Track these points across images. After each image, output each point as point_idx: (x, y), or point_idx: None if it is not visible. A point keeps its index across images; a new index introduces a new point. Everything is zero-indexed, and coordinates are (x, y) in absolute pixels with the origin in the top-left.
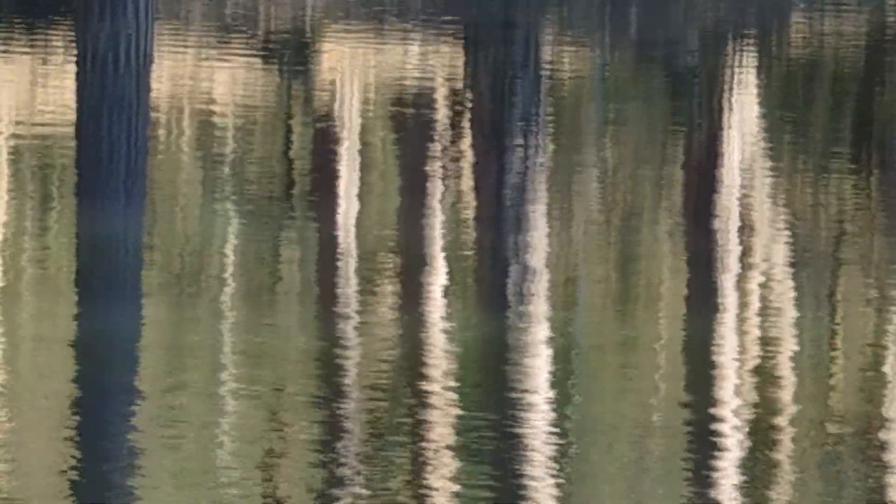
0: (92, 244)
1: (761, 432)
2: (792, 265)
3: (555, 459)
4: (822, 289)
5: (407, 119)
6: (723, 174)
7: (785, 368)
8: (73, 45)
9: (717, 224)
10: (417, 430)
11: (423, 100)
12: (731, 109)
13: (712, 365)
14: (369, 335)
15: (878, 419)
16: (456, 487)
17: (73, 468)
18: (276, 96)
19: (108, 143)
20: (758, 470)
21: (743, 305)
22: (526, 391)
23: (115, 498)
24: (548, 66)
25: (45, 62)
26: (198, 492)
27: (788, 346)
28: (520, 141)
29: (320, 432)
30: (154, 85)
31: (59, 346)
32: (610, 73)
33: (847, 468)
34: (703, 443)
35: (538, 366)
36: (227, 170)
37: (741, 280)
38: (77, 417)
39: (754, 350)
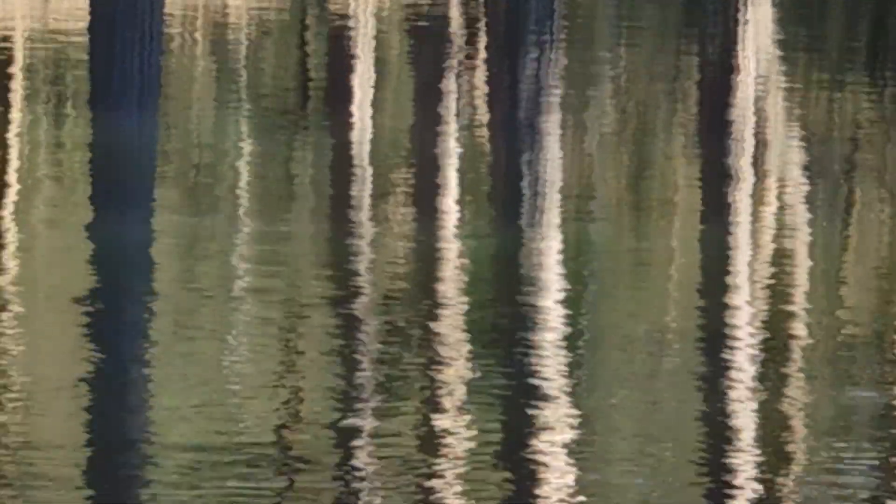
0: (106, 151)
1: (775, 338)
2: (806, 176)
3: (569, 366)
4: (836, 198)
5: (421, 29)
6: (737, 87)
7: (799, 275)
8: None
9: (731, 135)
10: (430, 337)
11: (438, 9)
12: (745, 22)
13: (726, 272)
14: (383, 244)
15: (890, 325)
16: (469, 393)
17: (87, 370)
18: (292, 3)
19: (122, 51)
20: (771, 374)
21: (757, 215)
22: (539, 299)
23: (130, 396)
24: None
25: None
26: (211, 394)
27: (802, 253)
28: (534, 51)
29: (333, 337)
30: None
31: (74, 251)
32: None
33: (860, 373)
34: (717, 349)
35: (551, 275)
36: (241, 78)
37: (755, 190)
38: (92, 320)
39: (768, 258)
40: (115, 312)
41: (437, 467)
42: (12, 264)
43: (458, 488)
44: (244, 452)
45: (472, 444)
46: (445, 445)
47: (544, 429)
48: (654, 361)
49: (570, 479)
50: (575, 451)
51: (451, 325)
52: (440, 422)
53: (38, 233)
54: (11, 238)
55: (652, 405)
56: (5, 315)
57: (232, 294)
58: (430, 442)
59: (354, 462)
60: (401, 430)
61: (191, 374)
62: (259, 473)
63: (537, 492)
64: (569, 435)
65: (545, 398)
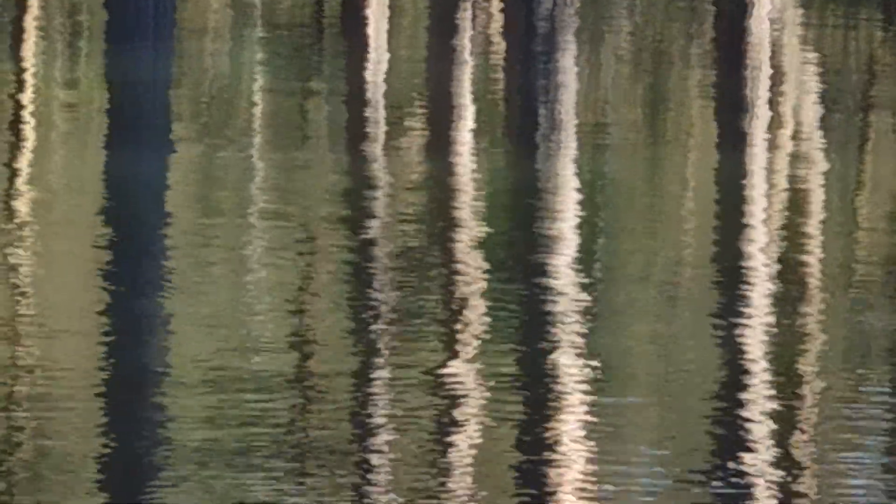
0: (121, 83)
1: (790, 272)
2: (821, 108)
3: (584, 300)
4: (851, 130)
5: None
6: (753, 21)
7: (814, 209)
8: None
9: (747, 68)
10: (446, 260)
11: None
12: None
13: (741, 204)
14: (399, 172)
15: None
16: (483, 317)
17: (105, 301)
18: None
19: None
20: (786, 309)
21: (772, 146)
22: (554, 230)
23: (147, 329)
24: None
25: None
26: (227, 315)
27: (817, 187)
28: None
29: (350, 261)
30: None
31: (90, 183)
32: None
33: (876, 300)
34: (733, 282)
35: (567, 206)
36: (256, 10)
37: (771, 122)
38: (109, 252)
39: (784, 191)
40: (132, 241)
41: (454, 391)
42: (29, 197)
43: (475, 409)
44: (260, 371)
45: (487, 368)
46: (461, 369)
47: (559, 354)
48: (668, 289)
49: (585, 403)
50: (590, 375)
51: (466, 250)
52: (456, 343)
53: (55, 166)
54: (28, 172)
55: (667, 334)
56: (23, 248)
57: (248, 219)
58: (447, 362)
59: (370, 377)
60: (416, 355)
61: (208, 297)
62: (275, 390)
63: (552, 414)
64: (584, 360)
65: (560, 322)
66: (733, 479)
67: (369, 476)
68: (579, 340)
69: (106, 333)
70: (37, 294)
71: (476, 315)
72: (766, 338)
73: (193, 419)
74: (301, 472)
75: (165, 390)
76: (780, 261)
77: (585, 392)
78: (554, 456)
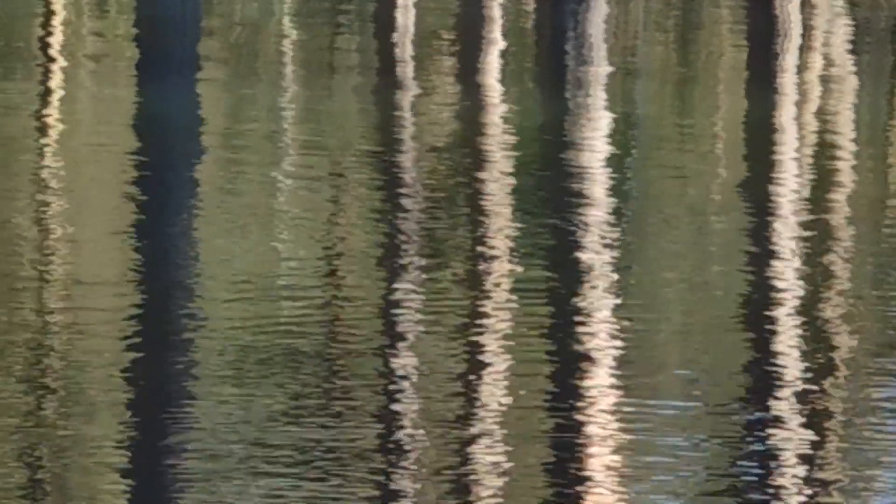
0: (149, 22)
1: (819, 209)
2: (852, 43)
3: (613, 239)
4: (882, 62)
5: None
6: None
7: (844, 144)
8: None
9: (777, 1)
10: (475, 191)
11: None
12: None
13: (771, 140)
14: (428, 107)
15: None
16: (514, 248)
17: (135, 238)
18: None
19: None
20: (815, 246)
21: (803, 82)
22: (583, 167)
23: (178, 240)
24: None
25: None
26: (257, 238)
27: (847, 120)
28: None
29: (380, 195)
30: None
31: (120, 123)
32: None
33: None
34: (763, 217)
35: (596, 143)
36: None
37: (801, 55)
38: (140, 177)
39: (814, 124)
40: (163, 169)
41: (483, 310)
42: (60, 128)
43: (504, 333)
44: (291, 287)
45: (516, 296)
46: (491, 298)
47: (588, 282)
48: (699, 221)
49: (611, 325)
50: (618, 299)
51: (495, 183)
52: (485, 277)
53: (85, 99)
54: (59, 106)
55: (696, 265)
56: (55, 177)
57: (278, 149)
58: (476, 291)
59: (397, 297)
60: (446, 278)
61: (238, 222)
62: (305, 304)
63: (581, 338)
64: (612, 286)
65: (589, 251)
66: (762, 406)
67: (395, 392)
68: (609, 274)
69: (137, 250)
70: (64, 215)
71: (504, 247)
72: (795, 271)
73: (222, 349)
74: (327, 388)
75: (195, 301)
76: (810, 194)
77: (615, 321)
78: (583, 383)
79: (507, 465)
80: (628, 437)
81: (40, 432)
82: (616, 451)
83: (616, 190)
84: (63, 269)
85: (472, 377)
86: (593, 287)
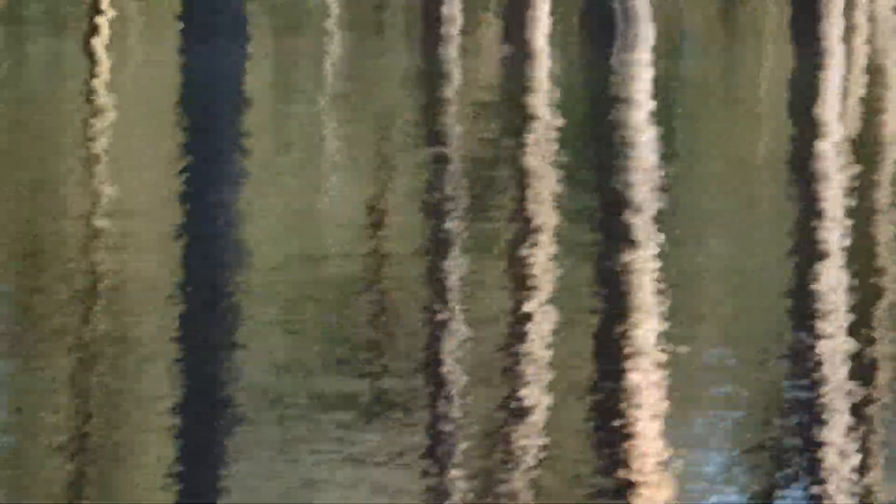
0: None
1: (866, 161)
2: None
3: (657, 193)
4: None
5: None
6: None
7: (890, 100)
8: None
9: None
10: (521, 148)
11: None
12: None
13: (816, 96)
14: (474, 61)
15: None
16: (553, 205)
17: (183, 183)
18: None
19: None
20: (861, 201)
21: (848, 38)
22: (630, 126)
23: (222, 211)
24: None
25: None
26: (303, 176)
27: (893, 74)
28: None
29: (423, 151)
30: None
31: (167, 79)
32: None
33: None
34: (807, 177)
35: (641, 99)
36: None
37: (846, 14)
38: (186, 140)
39: (859, 80)
40: (209, 119)
41: (528, 260)
42: (108, 84)
43: (549, 280)
44: (335, 216)
45: (561, 247)
46: (536, 244)
47: (634, 238)
48: (745, 177)
49: (657, 280)
50: (661, 260)
51: (540, 137)
52: (531, 222)
53: (133, 54)
54: (106, 62)
55: (739, 216)
56: (105, 136)
57: (323, 104)
58: (522, 234)
59: (444, 254)
60: (490, 235)
61: (285, 164)
62: (349, 236)
63: (625, 285)
64: (656, 239)
65: (635, 208)
66: (806, 355)
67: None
68: (652, 224)
69: (184, 213)
70: (117, 178)
71: (551, 199)
72: (840, 223)
73: (268, 293)
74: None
75: (241, 269)
76: (854, 152)
77: (657, 269)
78: (625, 323)
79: (549, 414)
80: (671, 386)
81: (89, 379)
82: (659, 400)
83: (661, 147)
84: (108, 230)
85: (516, 319)
86: (638, 243)
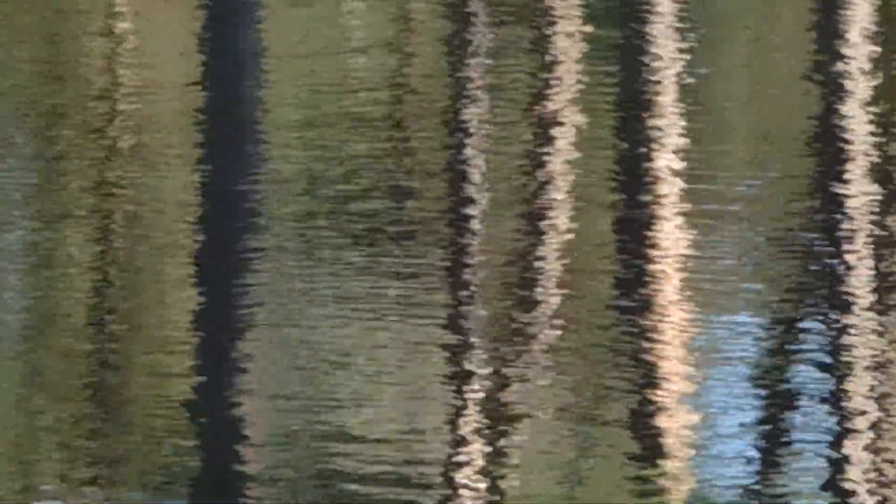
0: None
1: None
2: None
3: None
4: None
5: None
6: None
7: None
8: None
9: None
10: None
11: None
12: None
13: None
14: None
15: None
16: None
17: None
18: None
19: None
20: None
21: None
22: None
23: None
24: None
25: None
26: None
27: None
28: None
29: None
30: None
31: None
32: None
33: None
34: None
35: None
36: None
37: None
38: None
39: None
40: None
41: (547, 148)
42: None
43: (569, 137)
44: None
45: (585, 98)
46: (556, 116)
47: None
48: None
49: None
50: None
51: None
52: (553, 79)
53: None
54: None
55: (763, 79)
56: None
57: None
58: (544, 91)
59: (466, 111)
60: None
61: (305, 32)
62: (374, 72)
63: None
64: (679, 109)
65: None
66: (830, 213)
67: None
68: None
69: (203, 64)
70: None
71: (576, 54)
72: (866, 86)
73: (291, 147)
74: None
75: (263, 125)
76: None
77: (682, 125)
78: (648, 182)
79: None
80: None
81: (110, 260)
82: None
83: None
84: (129, 78)
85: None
86: (663, 94)
